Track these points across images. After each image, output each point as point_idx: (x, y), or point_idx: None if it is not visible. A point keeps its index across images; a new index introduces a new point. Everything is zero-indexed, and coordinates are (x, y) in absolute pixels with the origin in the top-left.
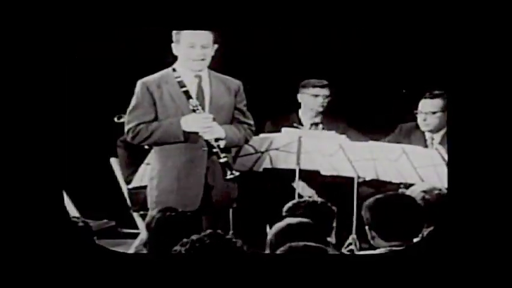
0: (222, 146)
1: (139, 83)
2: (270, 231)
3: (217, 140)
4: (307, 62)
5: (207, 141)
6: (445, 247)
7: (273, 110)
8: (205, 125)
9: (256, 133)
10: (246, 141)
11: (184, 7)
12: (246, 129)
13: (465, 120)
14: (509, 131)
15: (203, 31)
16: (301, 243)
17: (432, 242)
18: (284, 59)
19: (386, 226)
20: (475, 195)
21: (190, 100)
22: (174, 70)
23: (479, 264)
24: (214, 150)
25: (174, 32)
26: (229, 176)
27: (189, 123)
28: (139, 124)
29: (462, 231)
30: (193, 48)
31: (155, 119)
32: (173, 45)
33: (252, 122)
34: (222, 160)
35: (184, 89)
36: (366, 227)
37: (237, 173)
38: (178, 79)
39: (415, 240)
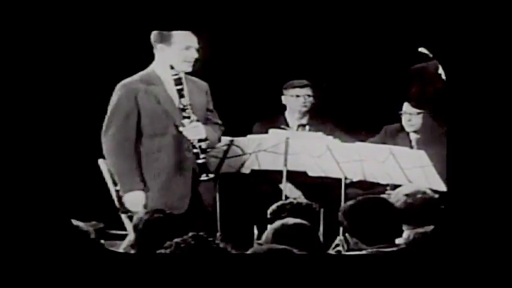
0: (203, 147)
1: (120, 86)
2: (266, 232)
3: (200, 140)
4: (295, 63)
5: (190, 142)
6: (444, 247)
7: (261, 111)
8: (191, 126)
9: (244, 134)
10: (219, 141)
11: (169, 8)
12: (218, 129)
13: (464, 120)
14: (508, 130)
15: (191, 33)
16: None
17: (431, 242)
18: (272, 60)
19: (364, 231)
20: (474, 195)
21: (182, 99)
22: (172, 68)
23: (478, 264)
24: (195, 150)
25: (162, 33)
26: (203, 178)
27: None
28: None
29: (461, 232)
30: (188, 50)
31: (139, 122)
32: (160, 46)
33: (221, 122)
34: (200, 161)
35: (179, 87)
36: (347, 234)
37: (212, 175)
38: (175, 77)
39: (398, 241)
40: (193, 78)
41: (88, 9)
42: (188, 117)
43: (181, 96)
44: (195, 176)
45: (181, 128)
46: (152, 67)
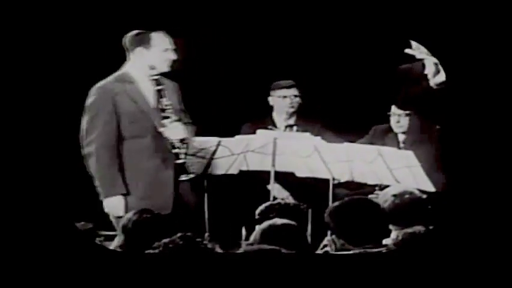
0: (183, 147)
1: (95, 89)
2: (254, 233)
3: (180, 141)
4: (283, 63)
5: (170, 142)
6: (444, 247)
7: (248, 112)
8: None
9: (232, 135)
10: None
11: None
12: (192, 130)
13: (462, 119)
14: (507, 129)
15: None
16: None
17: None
18: (259, 61)
19: (350, 232)
20: (473, 195)
21: (163, 99)
22: (153, 68)
23: (477, 264)
24: (175, 151)
25: (140, 36)
26: (183, 178)
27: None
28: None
29: (460, 231)
30: (166, 51)
31: (118, 125)
32: (138, 49)
33: (191, 122)
34: (180, 161)
35: (159, 87)
36: (333, 236)
37: (192, 175)
38: (156, 77)
39: (385, 241)
40: (165, 79)
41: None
42: (169, 117)
43: (162, 96)
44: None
45: (161, 129)
46: (126, 69)
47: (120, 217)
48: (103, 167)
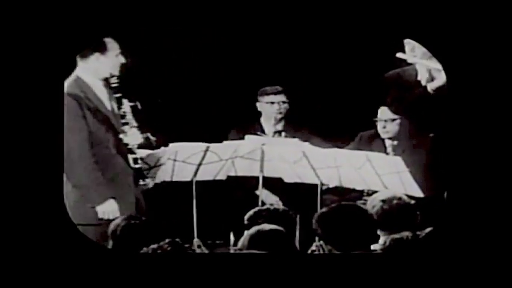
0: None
1: (65, 97)
2: (242, 238)
3: (139, 146)
4: (270, 69)
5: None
6: (442, 247)
7: (237, 118)
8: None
9: (220, 141)
10: None
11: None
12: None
13: (463, 122)
14: (506, 131)
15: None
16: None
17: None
18: (247, 66)
19: (337, 238)
20: (473, 196)
21: (124, 104)
22: (112, 76)
23: (466, 269)
24: (133, 156)
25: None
26: (141, 183)
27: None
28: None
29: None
30: (117, 56)
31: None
32: (95, 55)
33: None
34: (136, 166)
35: (118, 95)
36: (321, 242)
37: (149, 181)
38: (115, 85)
39: (373, 247)
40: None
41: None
42: (128, 124)
43: (121, 102)
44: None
45: (121, 135)
46: (78, 75)
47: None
48: (88, 175)
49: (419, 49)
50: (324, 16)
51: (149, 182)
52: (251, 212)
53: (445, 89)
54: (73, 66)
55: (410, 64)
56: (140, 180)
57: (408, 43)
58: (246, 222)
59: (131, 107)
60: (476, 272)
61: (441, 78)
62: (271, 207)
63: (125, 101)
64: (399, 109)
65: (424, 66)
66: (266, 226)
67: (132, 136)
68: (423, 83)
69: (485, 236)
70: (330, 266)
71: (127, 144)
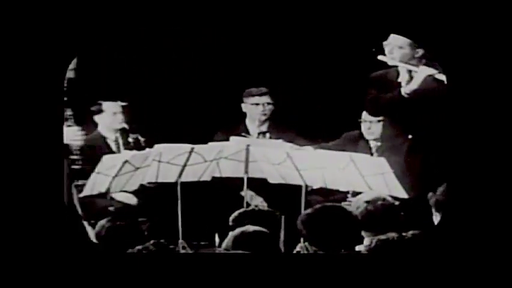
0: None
1: None
2: (226, 240)
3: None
4: (255, 70)
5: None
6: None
7: (222, 119)
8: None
9: (205, 142)
10: None
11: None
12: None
13: (463, 121)
14: (506, 130)
15: None
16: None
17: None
18: (232, 68)
19: (322, 239)
20: (460, 196)
21: None
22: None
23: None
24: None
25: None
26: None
27: None
28: None
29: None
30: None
31: None
32: None
33: None
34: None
35: None
36: (306, 243)
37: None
38: None
39: (358, 248)
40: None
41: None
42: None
43: None
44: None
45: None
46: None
47: None
48: None
49: (398, 51)
50: (309, 17)
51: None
52: (236, 213)
53: (420, 92)
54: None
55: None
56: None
57: (388, 45)
58: (231, 223)
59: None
60: (462, 272)
61: (416, 81)
62: (256, 208)
63: None
64: (373, 110)
65: (404, 68)
66: (250, 227)
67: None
68: (403, 85)
69: (472, 236)
70: (314, 267)
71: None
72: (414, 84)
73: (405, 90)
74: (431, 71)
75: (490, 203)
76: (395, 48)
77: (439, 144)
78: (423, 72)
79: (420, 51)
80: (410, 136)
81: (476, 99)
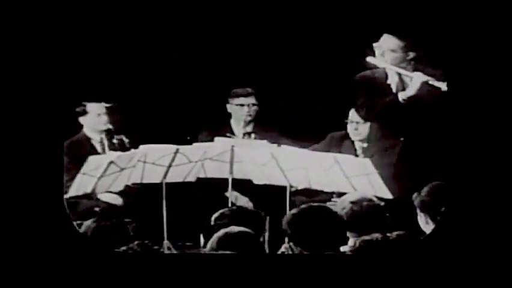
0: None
1: None
2: (210, 240)
3: None
4: (240, 70)
5: None
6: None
7: (207, 120)
8: None
9: (190, 143)
10: None
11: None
12: None
13: (463, 121)
14: (507, 130)
15: None
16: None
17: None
18: (217, 68)
19: (307, 240)
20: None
21: None
22: None
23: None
24: None
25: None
26: None
27: None
28: None
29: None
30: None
31: None
32: None
33: None
34: None
35: None
36: (291, 243)
37: None
38: None
39: (343, 249)
40: None
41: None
42: None
43: None
44: None
45: None
46: None
47: None
48: None
49: (389, 54)
50: (294, 18)
51: None
52: (217, 214)
53: (417, 98)
54: (73, 65)
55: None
56: None
57: (379, 47)
58: (213, 223)
59: None
60: (447, 273)
61: (413, 88)
62: (240, 209)
63: None
64: (368, 115)
65: (394, 71)
66: (234, 228)
67: None
68: (393, 88)
69: (456, 237)
70: (298, 268)
71: None
72: (412, 91)
73: (402, 96)
74: (426, 77)
75: (480, 205)
76: (387, 51)
77: (430, 146)
78: (419, 78)
79: (411, 54)
80: (401, 139)
81: (472, 99)
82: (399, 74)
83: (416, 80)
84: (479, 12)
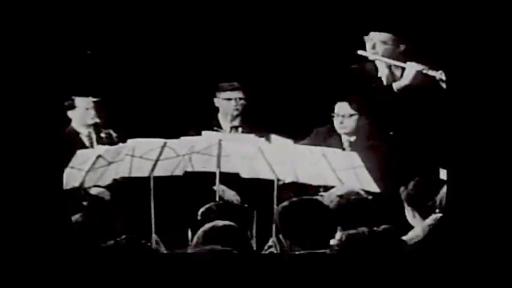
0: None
1: None
2: (196, 234)
3: None
4: (227, 65)
5: None
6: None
7: (194, 114)
8: None
9: (177, 136)
10: None
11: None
12: None
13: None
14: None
15: None
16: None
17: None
18: (204, 62)
19: (297, 233)
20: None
21: None
22: None
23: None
24: None
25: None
26: None
27: None
28: None
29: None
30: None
31: None
32: None
33: None
34: None
35: None
36: (280, 236)
37: None
38: None
39: (332, 242)
40: None
41: None
42: None
43: None
44: None
45: None
46: None
47: None
48: None
49: (381, 46)
50: (281, 12)
51: None
52: (203, 208)
53: (410, 88)
54: (72, 65)
55: (368, 60)
56: None
57: (370, 40)
58: (199, 217)
59: None
60: (433, 268)
61: (407, 77)
62: (226, 203)
63: None
64: (362, 108)
65: (385, 63)
66: (220, 222)
67: None
68: (384, 81)
69: (442, 232)
70: (285, 263)
71: None
72: (406, 80)
73: (397, 86)
74: (420, 66)
75: (477, 202)
76: (378, 43)
77: (418, 140)
78: (413, 67)
79: (402, 47)
80: (391, 133)
81: (469, 94)
82: (390, 67)
83: (410, 70)
84: (475, 8)
